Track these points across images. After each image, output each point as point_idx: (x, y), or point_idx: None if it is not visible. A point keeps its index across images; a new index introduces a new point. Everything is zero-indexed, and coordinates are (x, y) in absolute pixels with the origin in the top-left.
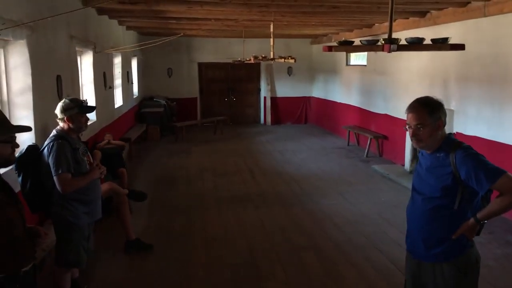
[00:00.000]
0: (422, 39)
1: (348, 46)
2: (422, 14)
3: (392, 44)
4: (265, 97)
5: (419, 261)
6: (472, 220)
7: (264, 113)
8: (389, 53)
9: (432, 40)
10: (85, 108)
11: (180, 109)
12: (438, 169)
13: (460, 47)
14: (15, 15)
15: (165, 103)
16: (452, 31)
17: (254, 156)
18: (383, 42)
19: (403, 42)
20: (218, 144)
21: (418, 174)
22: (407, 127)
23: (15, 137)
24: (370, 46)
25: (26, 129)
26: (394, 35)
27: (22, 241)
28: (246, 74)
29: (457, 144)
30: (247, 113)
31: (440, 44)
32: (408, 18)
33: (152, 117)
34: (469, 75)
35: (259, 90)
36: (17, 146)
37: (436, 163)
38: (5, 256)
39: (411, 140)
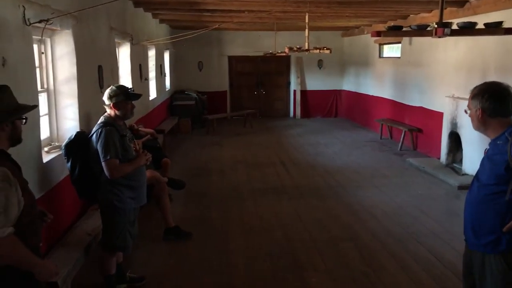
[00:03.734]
0: (475, 24)
1: (397, 31)
2: (461, 4)
3: (446, 28)
4: (294, 91)
5: (472, 250)
6: None
7: (294, 107)
8: (428, 43)
9: (485, 24)
10: (131, 95)
11: (210, 102)
12: (497, 156)
13: None
14: (62, 5)
15: (197, 96)
16: (492, 20)
17: (285, 149)
18: (435, 26)
19: (454, 27)
20: (248, 137)
21: (481, 161)
22: None
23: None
24: (420, 31)
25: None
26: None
27: (37, 220)
28: (275, 68)
29: None
30: (276, 106)
31: (494, 28)
32: (445, 8)
33: (184, 110)
34: (510, 66)
35: (288, 83)
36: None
37: (496, 150)
38: (27, 234)
39: None
